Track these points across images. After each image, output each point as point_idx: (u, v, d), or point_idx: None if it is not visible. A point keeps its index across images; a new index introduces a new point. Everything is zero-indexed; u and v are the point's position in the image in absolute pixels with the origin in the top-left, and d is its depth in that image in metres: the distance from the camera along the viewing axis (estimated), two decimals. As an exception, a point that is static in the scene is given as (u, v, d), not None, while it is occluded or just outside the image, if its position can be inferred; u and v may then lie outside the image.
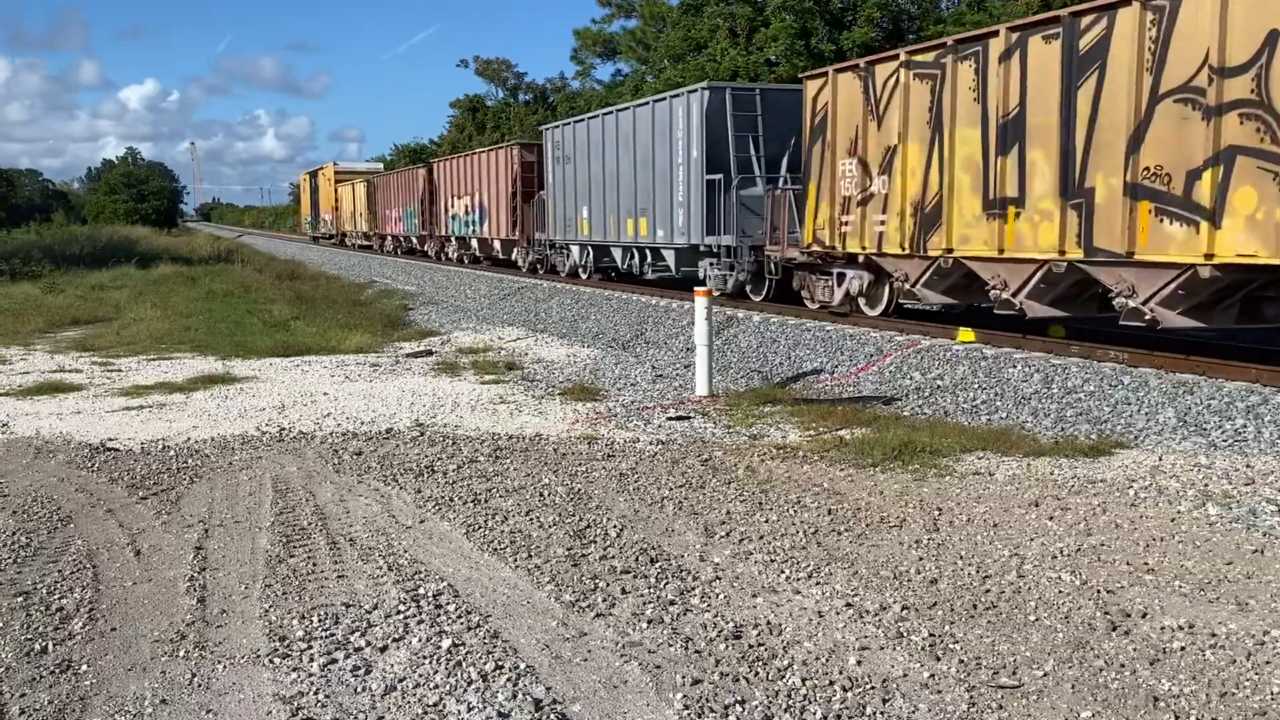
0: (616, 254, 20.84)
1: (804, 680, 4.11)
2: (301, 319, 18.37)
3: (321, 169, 57.92)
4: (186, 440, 8.86)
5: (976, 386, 10.21)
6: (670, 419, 9.57)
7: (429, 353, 14.66)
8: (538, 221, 24.91)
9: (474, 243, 30.66)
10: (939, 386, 10.49)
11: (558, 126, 23.48)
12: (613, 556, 5.63)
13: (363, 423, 9.54)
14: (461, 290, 25.07)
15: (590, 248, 22.09)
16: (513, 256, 27.83)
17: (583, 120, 22.23)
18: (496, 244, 28.44)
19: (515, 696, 4.00)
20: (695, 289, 10.94)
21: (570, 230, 22.52)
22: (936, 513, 6.35)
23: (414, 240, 38.43)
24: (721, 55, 35.65)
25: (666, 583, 5.22)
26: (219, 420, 9.77)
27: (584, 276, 22.81)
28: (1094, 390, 9.37)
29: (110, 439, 8.93)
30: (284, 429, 9.28)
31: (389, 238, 42.60)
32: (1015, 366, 10.36)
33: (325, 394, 11.16)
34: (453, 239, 32.99)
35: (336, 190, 53.26)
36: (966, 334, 11.86)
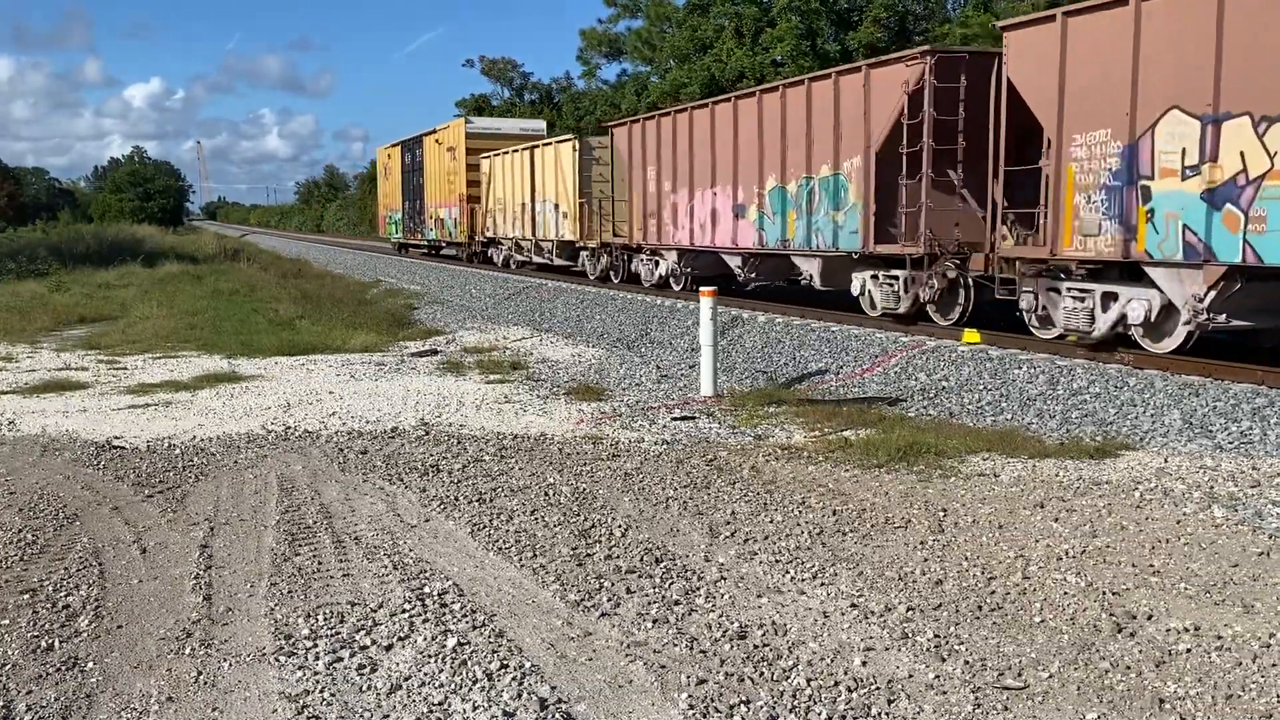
0: None
1: (809, 681, 4.11)
2: (307, 318, 18.39)
3: (434, 133, 34.56)
4: (192, 438, 8.88)
5: (982, 388, 10.20)
6: (675, 419, 9.57)
7: (434, 352, 14.68)
8: None
9: None
10: (944, 387, 10.48)
11: None
12: (618, 556, 5.64)
13: (368, 422, 9.56)
14: (466, 290, 25.08)
15: None
16: None
17: None
18: None
19: (520, 695, 4.01)
20: (701, 289, 10.92)
21: None
22: (942, 514, 6.35)
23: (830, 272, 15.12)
24: (727, 56, 35.66)
25: (671, 583, 5.23)
26: (225, 419, 9.78)
27: None
28: (1099, 392, 9.35)
29: (116, 437, 8.94)
30: (289, 428, 9.29)
31: (683, 256, 18.94)
32: (1020, 368, 10.35)
33: (331, 393, 11.17)
34: None
35: (476, 166, 30.34)
36: (972, 335, 11.85)
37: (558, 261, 25.48)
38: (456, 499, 6.82)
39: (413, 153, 37.66)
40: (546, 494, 6.92)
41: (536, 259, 26.80)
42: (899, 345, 12.05)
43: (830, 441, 8.37)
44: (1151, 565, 5.37)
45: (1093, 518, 6.19)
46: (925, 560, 5.52)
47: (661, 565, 5.48)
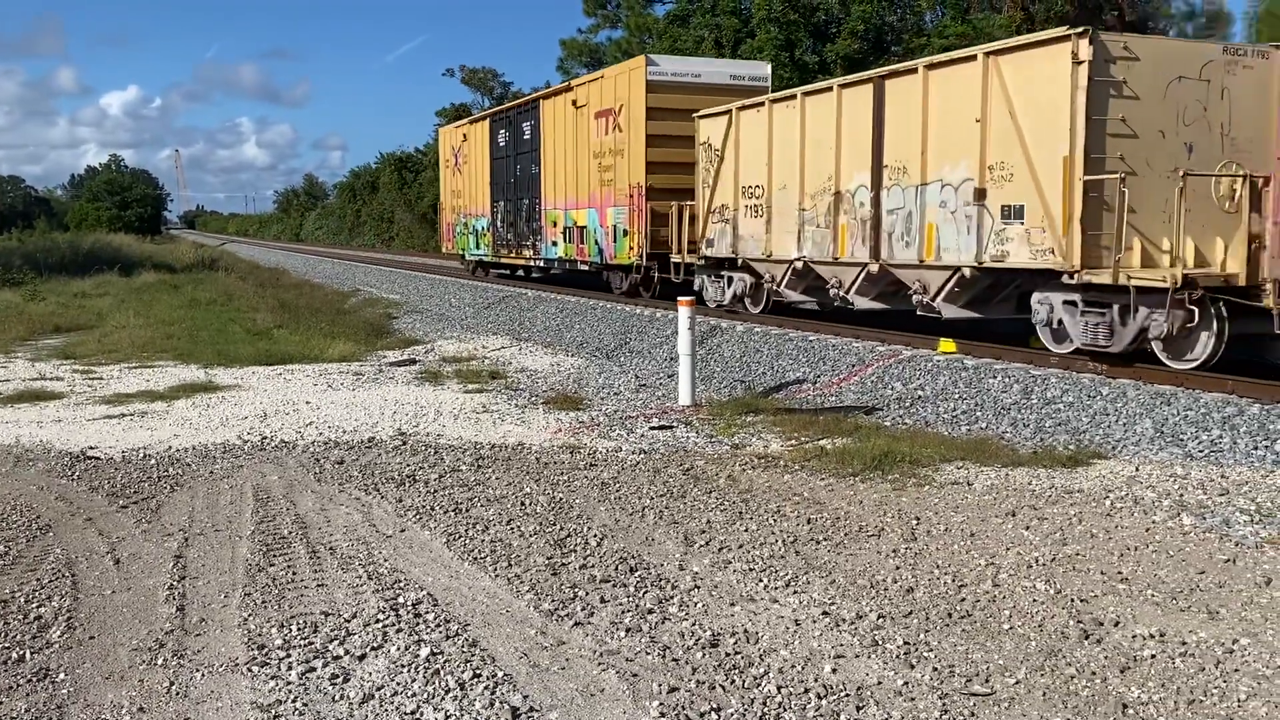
0: None
1: (779, 688, 4.15)
2: (284, 327, 18.33)
3: (567, 90, 21.11)
4: (168, 449, 8.85)
5: (957, 397, 10.28)
6: (653, 428, 9.60)
7: (412, 361, 14.66)
8: None
9: None
10: (920, 396, 10.55)
11: None
12: (592, 565, 5.66)
13: (345, 432, 9.54)
14: (445, 299, 25.05)
15: None
16: None
17: None
18: None
19: (493, 704, 4.03)
20: (679, 298, 10.97)
21: None
22: (915, 522, 6.40)
23: None
24: (707, 66, 35.75)
25: (645, 592, 5.25)
26: (200, 429, 9.75)
27: None
28: (1073, 401, 9.45)
29: (91, 447, 8.90)
30: (266, 438, 9.27)
31: None
32: (995, 377, 10.44)
33: (308, 403, 11.15)
34: None
35: (668, 138, 17.56)
36: (948, 344, 11.93)
37: (948, 311, 12.00)
38: (432, 509, 6.82)
39: (515, 127, 24.12)
40: (523, 504, 6.94)
41: (861, 300, 13.43)
42: (876, 355, 12.12)
43: (806, 450, 8.42)
44: (1120, 573, 5.43)
45: (1063, 526, 6.26)
46: (897, 568, 5.57)
47: (636, 574, 5.51)
